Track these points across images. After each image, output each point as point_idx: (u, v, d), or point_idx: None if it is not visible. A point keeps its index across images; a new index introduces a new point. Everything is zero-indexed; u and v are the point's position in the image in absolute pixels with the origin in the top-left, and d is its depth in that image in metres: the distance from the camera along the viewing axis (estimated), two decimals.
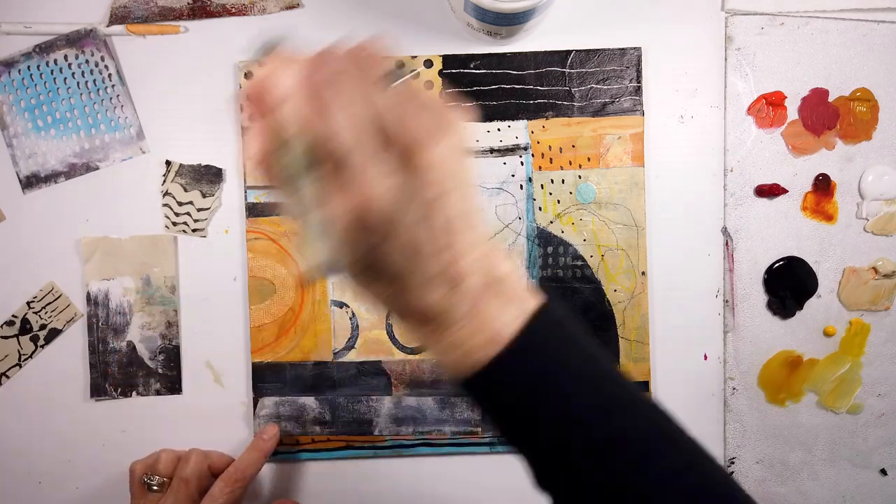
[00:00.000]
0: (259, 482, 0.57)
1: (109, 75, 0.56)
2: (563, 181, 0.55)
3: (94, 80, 0.56)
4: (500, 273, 0.33)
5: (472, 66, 0.55)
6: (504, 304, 0.32)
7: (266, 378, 0.56)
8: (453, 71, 0.55)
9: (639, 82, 0.55)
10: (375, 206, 0.29)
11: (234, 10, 0.56)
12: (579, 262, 0.56)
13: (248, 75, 0.55)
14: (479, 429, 0.56)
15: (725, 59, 0.56)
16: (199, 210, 0.56)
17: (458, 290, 0.31)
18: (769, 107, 0.56)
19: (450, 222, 0.31)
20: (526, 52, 0.55)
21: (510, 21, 0.51)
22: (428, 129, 0.30)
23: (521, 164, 0.56)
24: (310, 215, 0.29)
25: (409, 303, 0.32)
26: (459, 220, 0.31)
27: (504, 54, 0.55)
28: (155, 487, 0.51)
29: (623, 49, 0.55)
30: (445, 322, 0.32)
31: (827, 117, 0.55)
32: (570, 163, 0.55)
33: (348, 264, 0.31)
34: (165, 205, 0.56)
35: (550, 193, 0.56)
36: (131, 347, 0.56)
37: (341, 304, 0.56)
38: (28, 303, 0.56)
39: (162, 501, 0.50)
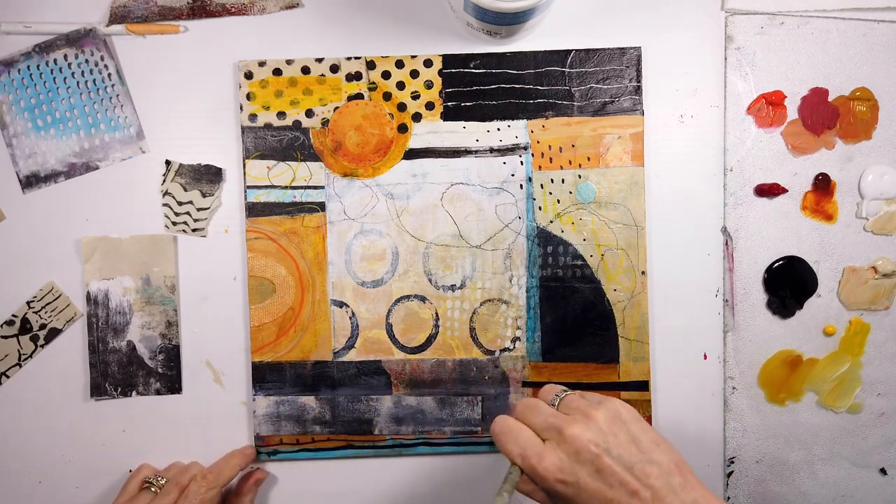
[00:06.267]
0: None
1: (109, 75, 0.56)
2: (562, 181, 0.55)
3: (94, 80, 0.56)
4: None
5: (471, 65, 0.55)
6: None
7: (266, 378, 0.56)
8: (453, 70, 0.55)
9: (639, 82, 0.55)
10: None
11: (233, 9, 0.56)
12: (579, 262, 0.56)
13: (248, 75, 0.55)
14: (479, 428, 0.56)
15: (725, 59, 0.56)
16: (198, 210, 0.56)
17: None
18: (769, 106, 0.56)
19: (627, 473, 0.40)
20: (526, 52, 0.55)
21: (510, 20, 0.51)
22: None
23: (521, 163, 0.56)
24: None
25: None
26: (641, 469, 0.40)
27: (504, 54, 0.55)
28: (153, 489, 0.52)
29: (623, 49, 0.55)
30: None
31: (827, 117, 0.55)
32: (570, 162, 0.55)
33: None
34: (165, 204, 0.56)
35: (550, 193, 0.56)
36: (131, 347, 0.56)
37: (341, 304, 0.56)
38: (28, 302, 0.56)
39: (152, 500, 0.51)
